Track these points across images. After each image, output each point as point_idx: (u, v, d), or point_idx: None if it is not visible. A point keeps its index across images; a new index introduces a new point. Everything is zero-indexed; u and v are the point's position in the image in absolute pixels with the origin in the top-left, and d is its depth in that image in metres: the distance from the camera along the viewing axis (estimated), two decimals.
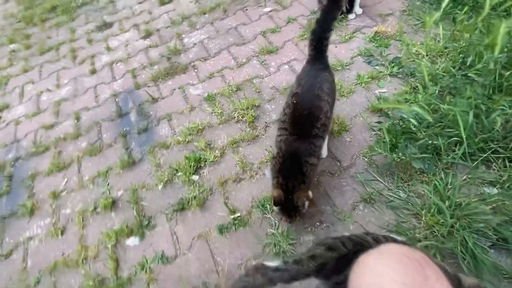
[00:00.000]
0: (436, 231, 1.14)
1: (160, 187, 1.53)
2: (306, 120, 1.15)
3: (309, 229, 1.28)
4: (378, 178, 1.36)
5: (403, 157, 1.32)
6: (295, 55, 2.00)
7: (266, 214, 1.35)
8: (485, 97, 1.36)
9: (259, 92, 1.85)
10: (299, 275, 0.68)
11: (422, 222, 1.19)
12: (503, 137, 1.24)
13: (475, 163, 1.26)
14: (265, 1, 2.46)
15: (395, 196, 1.30)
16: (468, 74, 1.46)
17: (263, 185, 1.44)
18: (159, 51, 2.30)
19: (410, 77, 1.68)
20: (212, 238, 1.32)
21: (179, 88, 2.00)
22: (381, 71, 1.75)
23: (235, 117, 1.73)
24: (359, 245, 0.67)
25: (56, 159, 1.78)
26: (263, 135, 1.63)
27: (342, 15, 2.12)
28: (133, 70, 2.20)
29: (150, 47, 2.36)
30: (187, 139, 1.68)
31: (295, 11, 2.30)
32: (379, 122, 1.51)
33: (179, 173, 1.55)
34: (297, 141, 1.15)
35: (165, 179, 1.54)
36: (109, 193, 1.57)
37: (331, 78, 1.30)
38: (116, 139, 1.80)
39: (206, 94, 1.90)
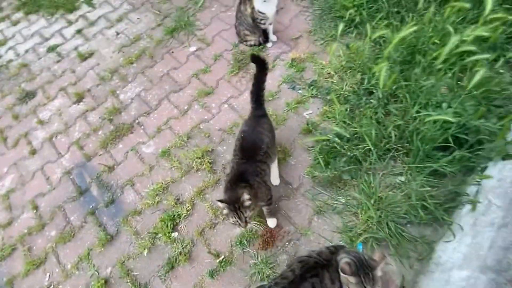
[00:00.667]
0: (370, 224, 1.53)
1: (145, 253, 1.68)
2: (252, 149, 1.48)
3: (281, 250, 1.59)
4: (322, 191, 1.71)
5: (336, 172, 1.69)
6: (231, 92, 2.23)
7: (245, 248, 1.61)
8: (382, 108, 1.78)
9: (208, 136, 2.05)
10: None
11: (360, 219, 1.57)
12: (398, 139, 1.67)
13: (385, 162, 1.68)
14: (188, 41, 2.59)
15: (337, 203, 1.66)
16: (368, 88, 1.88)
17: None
18: (98, 114, 2.32)
19: (327, 96, 2.03)
20: (206, 285, 1.55)
21: (131, 149, 2.09)
22: (304, 95, 2.09)
23: (194, 167, 1.92)
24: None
25: (28, 257, 1.79)
26: (224, 177, 1.86)
27: (261, 46, 2.39)
28: (77, 141, 2.20)
29: (87, 111, 2.35)
30: (156, 200, 1.83)
31: (219, 47, 2.50)
32: (312, 147, 1.85)
33: (159, 235, 1.71)
34: (245, 164, 1.45)
35: (148, 244, 1.69)
36: (98, 274, 1.67)
37: (269, 122, 1.64)
38: (86, 219, 1.86)
39: (160, 151, 2.03)
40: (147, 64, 2.53)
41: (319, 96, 2.07)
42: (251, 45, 2.41)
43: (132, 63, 2.57)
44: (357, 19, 2.20)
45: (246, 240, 1.63)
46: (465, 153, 1.48)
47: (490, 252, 0.99)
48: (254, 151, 1.48)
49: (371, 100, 1.82)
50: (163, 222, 1.73)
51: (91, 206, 1.90)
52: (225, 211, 1.34)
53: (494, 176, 1.32)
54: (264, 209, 1.60)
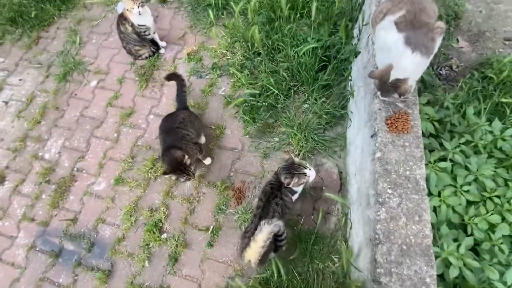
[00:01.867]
0: (300, 143, 1.98)
1: (146, 264, 1.84)
2: (170, 122, 1.90)
3: (251, 196, 1.94)
4: (260, 140, 2.10)
5: (262, 121, 2.09)
6: (149, 103, 2.41)
7: (225, 211, 1.91)
8: (270, 61, 2.22)
9: (150, 147, 2.23)
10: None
11: (294, 144, 2.01)
12: (291, 77, 2.14)
13: (291, 98, 2.14)
14: (85, 78, 2.63)
15: (274, 142, 2.07)
16: (255, 51, 2.30)
17: (210, 199, 1.96)
18: (31, 183, 2.25)
19: (229, 70, 2.39)
20: (209, 255, 1.81)
21: (84, 195, 2.13)
22: (212, 78, 2.41)
23: (151, 177, 2.10)
24: None
25: None
26: None
27: (155, 55, 2.60)
28: (24, 216, 2.13)
29: (17, 186, 2.26)
30: (132, 220, 1.97)
31: (118, 71, 2.62)
32: (237, 112, 2.21)
33: (151, 244, 1.88)
34: (168, 136, 1.84)
35: (145, 256, 1.85)
36: None
37: (190, 112, 2.00)
38: (75, 272, 1.90)
39: (112, 182, 2.13)
40: (55, 116, 2.50)
41: (224, 74, 2.43)
42: (146, 57, 2.60)
43: (39, 122, 2.50)
44: (222, 1, 2.59)
45: (222, 205, 1.92)
46: (335, 64, 2.02)
47: (365, 112, 1.50)
48: (172, 123, 1.86)
49: (260, 58, 2.24)
50: (149, 232, 1.90)
51: (74, 260, 1.93)
52: (174, 177, 1.68)
53: (353, 69, 1.88)
54: (199, 157, 1.96)
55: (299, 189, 1.65)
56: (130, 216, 1.99)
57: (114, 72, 2.63)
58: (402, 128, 1.25)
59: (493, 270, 1.30)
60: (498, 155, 1.63)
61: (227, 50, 2.45)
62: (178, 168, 1.64)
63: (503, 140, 1.64)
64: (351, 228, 1.54)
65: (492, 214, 1.47)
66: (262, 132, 2.12)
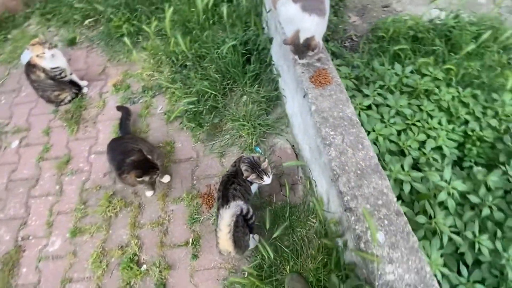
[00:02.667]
0: (250, 132, 2.08)
1: None
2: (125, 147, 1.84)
3: None
4: (213, 142, 2.15)
5: (207, 123, 2.15)
6: (87, 144, 2.27)
7: (199, 219, 1.88)
8: (199, 66, 2.31)
9: (100, 187, 2.08)
10: None
11: (244, 135, 2.10)
12: (222, 76, 2.26)
13: (229, 95, 2.25)
14: (2, 141, 2.36)
15: (226, 139, 2.13)
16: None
17: (181, 213, 1.91)
18: None
19: (161, 88, 2.41)
20: (197, 266, 1.75)
21: (39, 261, 1.88)
22: (146, 100, 2.39)
23: (111, 215, 1.96)
24: None
25: None
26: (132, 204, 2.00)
27: (80, 96, 2.48)
28: None
29: None
30: (103, 266, 1.80)
31: (41, 123, 2.42)
32: (181, 123, 2.23)
33: (132, 281, 1.74)
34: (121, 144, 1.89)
35: None
36: None
37: (133, 136, 2.02)
38: None
39: (68, 235, 1.92)
40: None
41: (157, 94, 2.43)
42: (70, 101, 2.46)
43: None
44: (127, 29, 2.62)
45: (195, 215, 1.89)
46: (256, 55, 2.20)
47: (293, 82, 1.68)
48: (120, 141, 1.96)
49: (188, 68, 2.32)
50: (126, 270, 1.75)
51: None
52: (140, 180, 1.63)
53: (272, 53, 2.09)
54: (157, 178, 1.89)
55: (253, 186, 1.74)
56: (100, 262, 1.81)
57: (36, 126, 2.41)
58: (324, 81, 1.44)
59: (434, 175, 1.54)
60: (406, 90, 1.96)
61: (153, 71, 2.47)
62: (145, 165, 1.61)
63: (406, 77, 1.99)
64: (316, 186, 1.67)
65: (419, 135, 1.75)
66: (212, 134, 2.17)
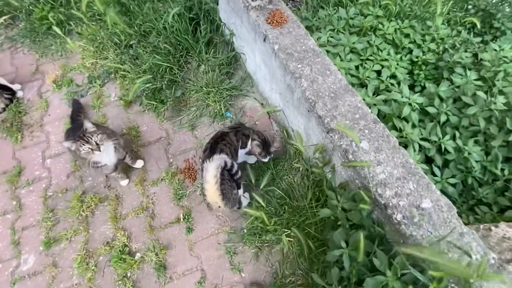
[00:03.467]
0: (215, 99, 2.04)
1: None
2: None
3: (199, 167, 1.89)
4: (178, 118, 2.06)
5: (169, 98, 2.05)
6: (38, 149, 2.03)
7: (185, 194, 1.81)
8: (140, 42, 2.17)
9: (66, 190, 1.88)
10: None
11: (211, 105, 2.05)
12: (168, 51, 2.15)
13: (185, 68, 2.16)
14: None
15: (192, 111, 2.06)
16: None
17: (164, 193, 1.82)
18: None
19: (109, 75, 2.22)
20: (193, 239, 1.70)
21: (14, 283, 1.66)
22: (95, 91, 2.19)
23: (87, 214, 1.79)
24: None
25: None
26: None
27: (16, 101, 2.18)
28: None
29: None
30: (91, 267, 1.65)
31: None
32: (141, 104, 2.09)
33: (128, 272, 1.63)
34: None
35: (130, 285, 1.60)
36: None
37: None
38: None
39: (41, 248, 1.72)
40: None
41: (107, 81, 2.24)
42: (3, 109, 2.15)
43: None
44: (55, 18, 2.36)
45: (178, 191, 1.82)
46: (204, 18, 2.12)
47: (250, 32, 1.67)
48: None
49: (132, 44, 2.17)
50: (119, 263, 1.63)
51: None
52: (73, 147, 1.46)
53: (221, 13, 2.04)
54: (129, 162, 1.81)
55: (251, 158, 1.77)
56: (87, 264, 1.66)
57: None
58: (281, 20, 1.45)
59: (396, 94, 1.67)
60: (354, 30, 2.07)
61: (95, 59, 2.26)
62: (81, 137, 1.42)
63: (351, 19, 2.10)
64: (293, 130, 1.70)
65: (374, 66, 1.87)
66: (177, 110, 2.08)
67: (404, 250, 0.86)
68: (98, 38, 2.25)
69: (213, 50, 2.14)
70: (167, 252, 1.67)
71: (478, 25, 2.08)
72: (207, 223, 1.73)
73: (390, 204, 1.03)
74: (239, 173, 1.58)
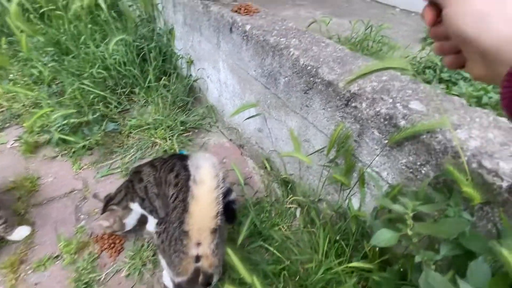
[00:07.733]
0: (165, 136, 1.49)
1: None
2: None
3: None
4: (111, 160, 1.40)
5: (99, 135, 1.43)
6: None
7: (99, 273, 0.98)
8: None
9: None
10: None
11: (158, 142, 1.47)
12: (115, 84, 1.70)
13: (123, 104, 1.66)
14: None
15: (132, 152, 1.44)
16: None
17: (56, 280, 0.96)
18: None
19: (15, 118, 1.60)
20: None
21: None
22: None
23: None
24: None
25: None
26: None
27: None
28: None
29: None
30: None
31: None
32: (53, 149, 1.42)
33: None
34: None
35: None
36: None
37: None
38: None
39: None
40: None
41: (7, 126, 1.59)
42: None
43: None
44: None
45: (85, 276, 0.98)
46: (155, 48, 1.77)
47: (213, 36, 1.33)
48: None
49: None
50: None
51: None
52: None
53: (177, 40, 1.74)
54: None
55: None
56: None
57: None
58: (250, 10, 1.18)
59: None
60: None
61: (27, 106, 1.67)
62: None
63: None
64: (278, 152, 1.16)
65: None
66: (108, 152, 1.44)
67: None
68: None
69: (167, 81, 1.72)
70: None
71: None
72: None
73: None
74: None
